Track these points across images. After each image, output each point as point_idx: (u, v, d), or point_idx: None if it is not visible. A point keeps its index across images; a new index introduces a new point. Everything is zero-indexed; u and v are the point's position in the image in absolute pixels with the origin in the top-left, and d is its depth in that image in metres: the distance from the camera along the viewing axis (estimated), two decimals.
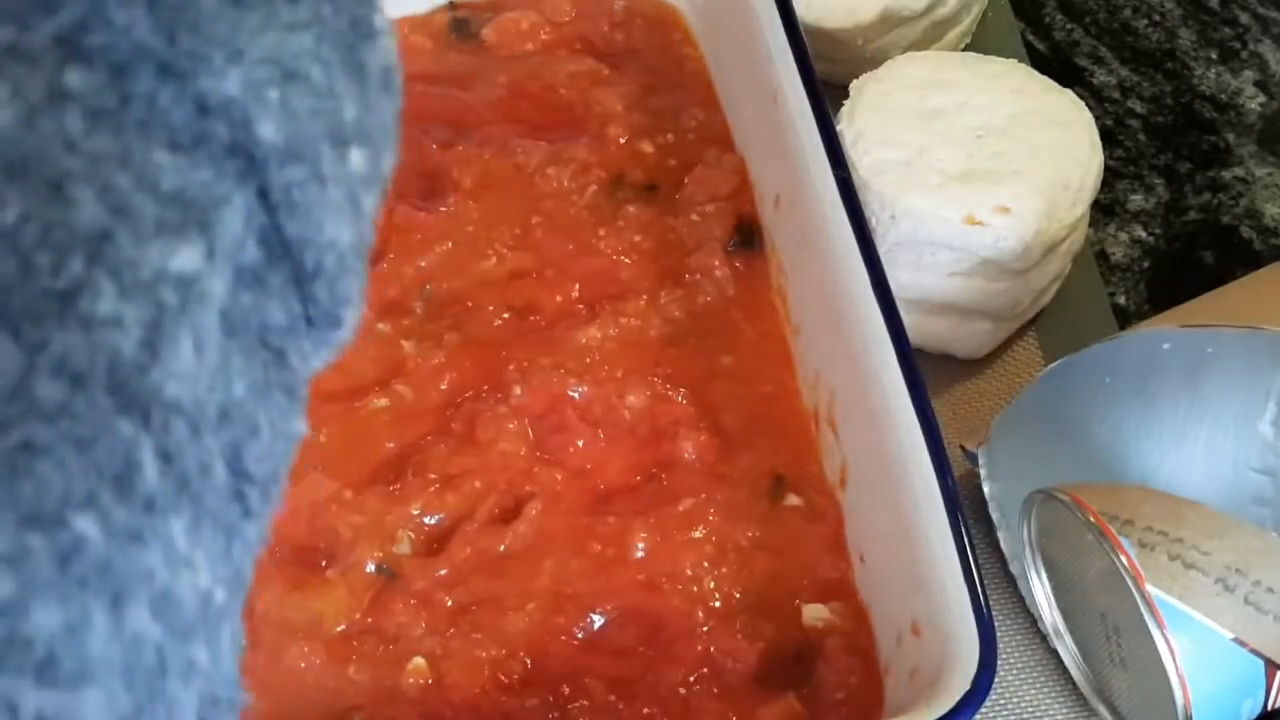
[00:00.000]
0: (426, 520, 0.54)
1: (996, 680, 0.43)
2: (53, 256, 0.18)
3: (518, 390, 0.57)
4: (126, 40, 0.19)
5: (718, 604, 0.52)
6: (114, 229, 0.18)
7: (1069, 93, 0.62)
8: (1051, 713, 0.55)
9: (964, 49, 0.71)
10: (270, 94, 0.20)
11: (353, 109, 0.22)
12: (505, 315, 0.59)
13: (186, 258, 0.19)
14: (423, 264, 0.60)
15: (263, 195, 0.21)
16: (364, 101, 0.22)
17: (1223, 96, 0.73)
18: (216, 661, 0.20)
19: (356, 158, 0.22)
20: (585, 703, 0.50)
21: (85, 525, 0.18)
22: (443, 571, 0.53)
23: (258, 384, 0.21)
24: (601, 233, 0.61)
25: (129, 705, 0.18)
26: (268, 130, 0.20)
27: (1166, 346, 0.54)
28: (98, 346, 0.18)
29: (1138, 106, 0.73)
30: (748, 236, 0.61)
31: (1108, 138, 0.66)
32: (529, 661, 0.51)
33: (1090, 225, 0.65)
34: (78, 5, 0.19)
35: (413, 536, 0.54)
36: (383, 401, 0.57)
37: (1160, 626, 0.47)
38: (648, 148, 0.64)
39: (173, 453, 0.19)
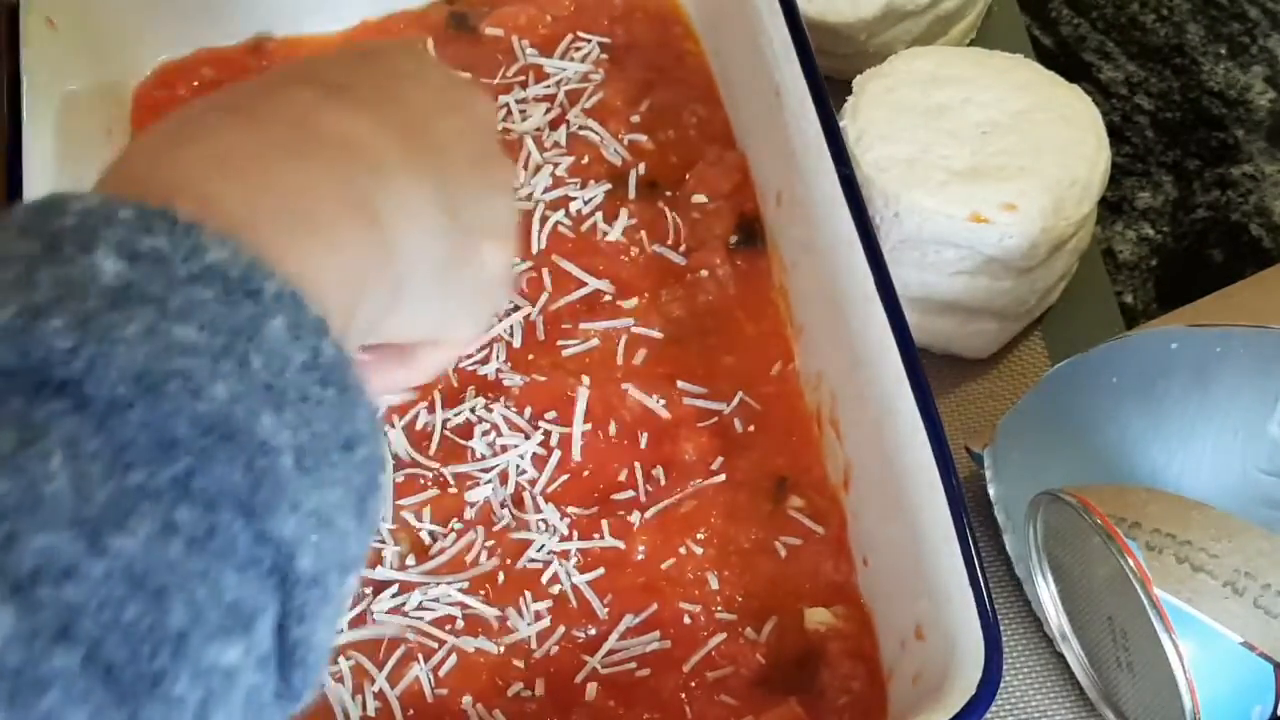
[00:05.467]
0: (424, 522, 0.54)
1: (1001, 685, 0.43)
2: (151, 647, 0.24)
3: (516, 390, 0.56)
4: (222, 486, 0.25)
5: (719, 607, 0.52)
6: (190, 630, 0.25)
7: (1076, 88, 0.61)
8: (1057, 717, 0.55)
9: (969, 44, 0.71)
10: (311, 537, 0.27)
11: (356, 546, 0.29)
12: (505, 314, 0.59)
13: (233, 654, 0.25)
14: None
15: (283, 606, 0.27)
16: (363, 539, 0.29)
17: (1232, 92, 0.72)
18: None
19: (351, 582, 0.29)
20: (585, 707, 0.50)
21: None
22: (440, 574, 0.52)
23: None
24: (602, 230, 0.61)
25: None
26: (305, 563, 0.27)
27: (1174, 346, 0.54)
28: (168, 717, 0.24)
29: (1145, 103, 0.72)
30: (749, 234, 0.61)
31: (1115, 134, 0.66)
32: (527, 666, 0.51)
33: (1097, 223, 0.64)
34: (191, 456, 0.25)
35: (410, 538, 0.53)
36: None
37: (1168, 630, 0.46)
38: (648, 144, 0.63)
39: None
